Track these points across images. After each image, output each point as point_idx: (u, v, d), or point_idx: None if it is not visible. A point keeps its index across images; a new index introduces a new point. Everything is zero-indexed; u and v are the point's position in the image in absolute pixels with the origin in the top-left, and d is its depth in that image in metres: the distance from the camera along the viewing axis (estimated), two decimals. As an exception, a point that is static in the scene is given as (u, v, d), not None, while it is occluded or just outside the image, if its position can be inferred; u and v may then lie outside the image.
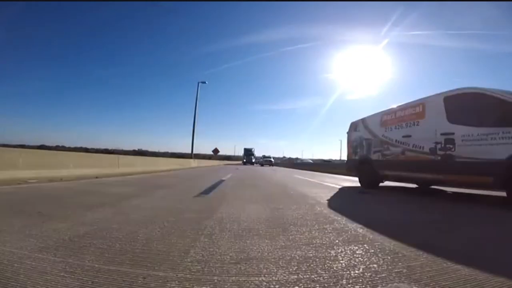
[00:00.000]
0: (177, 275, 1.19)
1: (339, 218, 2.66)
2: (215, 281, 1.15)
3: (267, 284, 1.13)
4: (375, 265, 1.40)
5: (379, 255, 1.56)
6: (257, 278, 1.19)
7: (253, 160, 44.27)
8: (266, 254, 1.53)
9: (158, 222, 2.21)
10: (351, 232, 2.13)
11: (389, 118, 5.79)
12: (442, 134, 4.34)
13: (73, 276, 1.14)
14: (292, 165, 32.94)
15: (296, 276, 1.22)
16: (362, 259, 1.48)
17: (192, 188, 5.21)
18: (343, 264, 1.41)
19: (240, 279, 1.18)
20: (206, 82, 25.62)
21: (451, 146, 4.17)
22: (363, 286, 1.15)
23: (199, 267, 1.30)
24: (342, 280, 1.20)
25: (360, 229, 2.21)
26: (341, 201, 4.19)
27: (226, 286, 1.10)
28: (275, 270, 1.29)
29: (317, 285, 1.13)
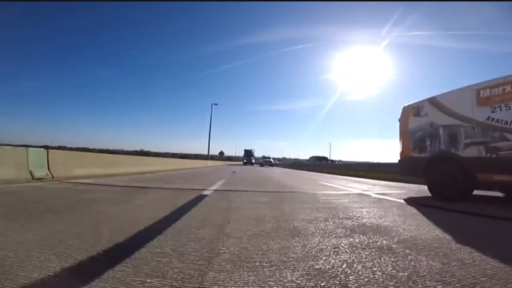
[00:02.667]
0: (232, 181, 6.83)
1: None
2: (243, 182, 7.00)
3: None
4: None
5: None
6: (253, 178, 8.72)
7: (253, 161, 44.68)
8: (254, 179, 8.12)
9: (227, 176, 8.61)
10: None
11: (496, 92, 3.79)
12: None
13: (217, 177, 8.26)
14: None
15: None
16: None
17: (227, 172, 11.99)
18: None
19: (245, 178, 8.71)
20: (218, 104, 32.41)
21: None
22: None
23: (238, 183, 6.53)
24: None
25: None
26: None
27: (245, 181, 7.22)
28: (258, 171, 15.21)
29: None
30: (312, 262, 1.34)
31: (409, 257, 1.44)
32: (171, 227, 1.94)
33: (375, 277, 1.17)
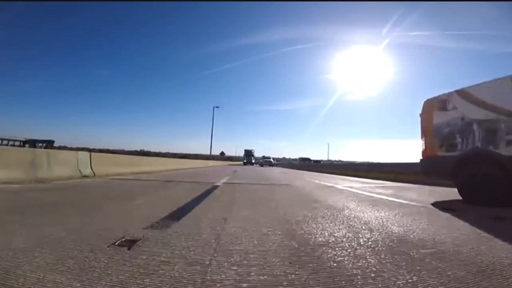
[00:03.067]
0: (235, 173, 11.26)
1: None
2: (243, 176, 10.00)
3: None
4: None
5: None
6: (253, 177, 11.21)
7: (253, 161, 46.20)
8: (254, 178, 11.53)
9: (228, 174, 10.95)
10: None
11: None
12: None
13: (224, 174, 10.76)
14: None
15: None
16: None
17: (229, 171, 13.86)
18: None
19: (245, 175, 11.94)
20: (219, 107, 35.07)
21: None
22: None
23: (240, 179, 9.06)
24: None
25: None
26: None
27: (245, 178, 9.08)
28: (258, 171, 16.70)
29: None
30: (280, 215, 2.87)
31: (333, 215, 2.95)
32: (199, 204, 3.50)
33: (306, 218, 2.71)
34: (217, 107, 33.76)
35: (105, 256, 1.34)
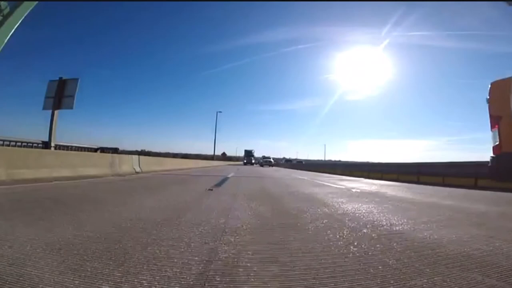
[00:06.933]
0: (238, 170, 15.76)
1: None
2: (244, 172, 14.77)
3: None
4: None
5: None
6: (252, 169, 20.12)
7: (253, 161, 47.76)
8: (250, 169, 19.52)
9: (233, 171, 14.70)
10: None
11: None
12: None
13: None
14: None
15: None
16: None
17: (233, 169, 18.15)
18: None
19: (245, 171, 16.35)
20: (222, 111, 39.14)
21: None
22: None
23: (242, 173, 12.45)
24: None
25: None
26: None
27: (245, 172, 14.14)
28: (258, 171, 17.74)
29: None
30: (271, 200, 6.07)
31: (308, 204, 6.21)
32: (224, 183, 6.69)
33: (269, 184, 5.94)
34: (220, 112, 36.61)
35: (207, 191, 4.59)
